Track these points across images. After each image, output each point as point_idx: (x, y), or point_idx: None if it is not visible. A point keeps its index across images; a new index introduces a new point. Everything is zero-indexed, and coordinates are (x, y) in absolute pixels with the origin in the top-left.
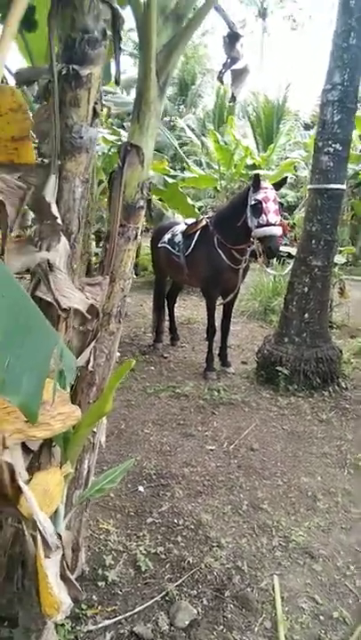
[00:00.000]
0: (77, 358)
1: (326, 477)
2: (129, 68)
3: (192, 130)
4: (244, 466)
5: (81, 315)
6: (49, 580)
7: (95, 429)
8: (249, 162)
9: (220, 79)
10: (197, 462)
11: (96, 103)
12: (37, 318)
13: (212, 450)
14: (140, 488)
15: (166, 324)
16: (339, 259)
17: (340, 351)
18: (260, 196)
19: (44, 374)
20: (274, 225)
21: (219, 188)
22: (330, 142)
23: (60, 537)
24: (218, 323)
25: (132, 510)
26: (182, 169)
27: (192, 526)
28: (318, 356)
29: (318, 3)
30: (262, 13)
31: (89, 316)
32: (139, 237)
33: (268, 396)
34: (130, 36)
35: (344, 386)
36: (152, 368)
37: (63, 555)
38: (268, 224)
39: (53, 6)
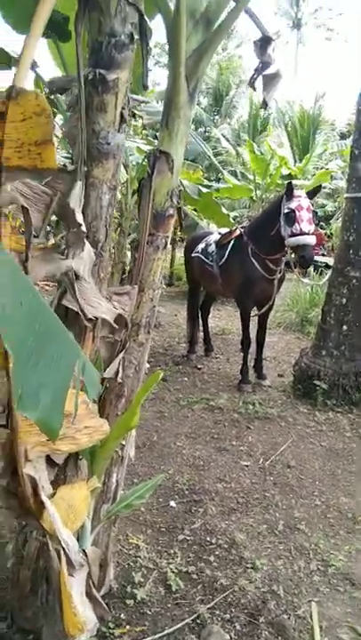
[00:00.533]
0: (106, 369)
1: None
2: (164, 79)
3: (227, 140)
4: (281, 483)
5: (109, 325)
6: (73, 599)
7: (124, 442)
8: (285, 172)
9: (252, 84)
10: (231, 478)
11: (124, 108)
12: (57, 329)
13: (246, 466)
14: (172, 503)
15: (200, 334)
16: None
17: None
18: (293, 205)
19: (65, 388)
20: (307, 234)
21: (254, 198)
22: None
23: (85, 554)
24: (253, 334)
25: (163, 526)
26: (217, 179)
27: (225, 545)
28: (358, 370)
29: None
30: (296, 24)
31: (117, 326)
32: (168, 246)
33: (305, 411)
34: (165, 47)
35: None
36: (185, 379)
37: (89, 572)
38: (302, 233)
39: (80, 9)
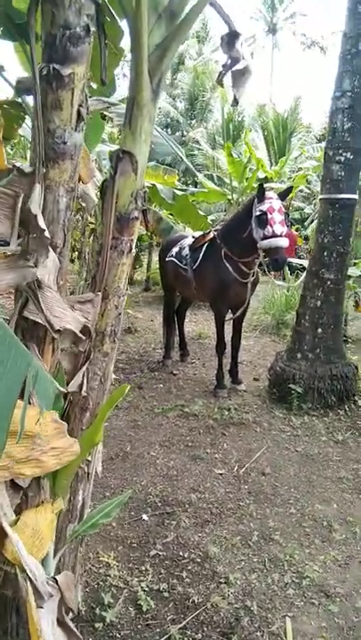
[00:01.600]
0: (69, 382)
1: (343, 505)
2: None
3: (203, 144)
4: (255, 492)
5: (72, 335)
6: (42, 632)
7: (90, 458)
8: (261, 175)
9: (220, 81)
10: (205, 488)
11: (81, 106)
12: (5, 339)
13: (221, 474)
14: (144, 516)
15: (177, 339)
16: (354, 271)
17: (356, 367)
18: (264, 207)
19: (11, 401)
20: (280, 236)
21: (232, 201)
22: (340, 151)
23: (56, 581)
24: (228, 338)
25: (134, 541)
26: (194, 183)
27: (198, 559)
28: (333, 373)
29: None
30: (272, 29)
31: (82, 337)
32: (133, 250)
33: (280, 416)
34: None
35: None
36: (161, 385)
37: (62, 599)
38: (274, 235)
39: (32, 1)
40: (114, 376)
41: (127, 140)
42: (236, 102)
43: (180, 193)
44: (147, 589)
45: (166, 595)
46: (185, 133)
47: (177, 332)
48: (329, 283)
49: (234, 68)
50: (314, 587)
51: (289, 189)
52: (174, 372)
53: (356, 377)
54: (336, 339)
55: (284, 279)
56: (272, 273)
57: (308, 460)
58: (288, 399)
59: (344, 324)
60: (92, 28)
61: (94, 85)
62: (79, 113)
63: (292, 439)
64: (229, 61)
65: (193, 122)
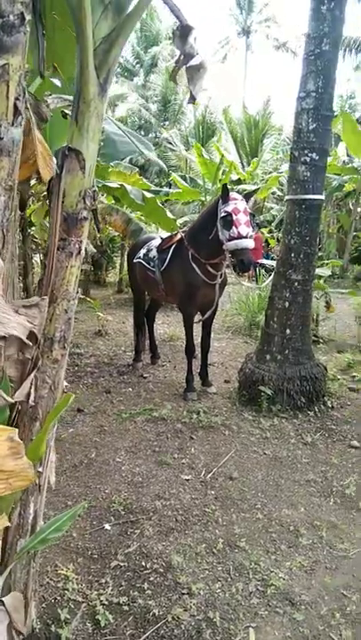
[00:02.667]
0: (16, 391)
1: (310, 508)
2: (112, 86)
3: (176, 145)
4: (222, 497)
5: (18, 341)
6: None
7: (41, 469)
8: (234, 177)
9: (174, 78)
10: (171, 494)
11: (18, 99)
12: None
13: (187, 480)
14: (107, 526)
15: (147, 342)
16: (324, 271)
17: (325, 368)
18: (229, 208)
19: None
20: (245, 237)
21: (205, 203)
22: (306, 151)
23: (2, 603)
24: (199, 340)
25: (95, 552)
26: (168, 185)
27: (161, 570)
28: (302, 374)
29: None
30: (246, 31)
31: (29, 343)
32: (82, 252)
33: (250, 418)
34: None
35: (330, 405)
36: (130, 389)
37: (10, 622)
38: (240, 237)
39: None
40: (86, 380)
41: (74, 137)
42: (192, 99)
43: (149, 195)
44: (106, 603)
45: (126, 608)
46: (158, 135)
47: (147, 335)
48: (296, 284)
49: (189, 64)
50: (279, 595)
51: (254, 191)
52: (144, 375)
53: (326, 378)
54: (305, 340)
55: (257, 281)
56: (248, 275)
57: (277, 463)
58: (258, 401)
59: (315, 324)
60: (28, 17)
61: (58, 83)
62: (16, 107)
63: (261, 442)
64: (183, 57)
65: (166, 123)
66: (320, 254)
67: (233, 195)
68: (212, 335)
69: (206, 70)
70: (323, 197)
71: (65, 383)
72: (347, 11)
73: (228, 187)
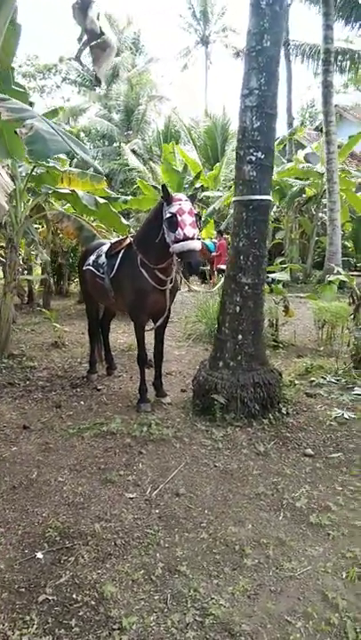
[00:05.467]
0: None
1: (258, 525)
2: (73, 96)
3: (140, 155)
4: (166, 516)
5: None
6: None
7: None
8: (197, 185)
9: (78, 58)
10: (112, 515)
11: None
12: None
13: (131, 498)
14: (39, 554)
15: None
16: (283, 276)
17: (280, 374)
18: (173, 209)
19: None
20: (192, 239)
21: None
22: (251, 150)
23: None
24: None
25: (23, 585)
26: (133, 193)
27: (92, 602)
28: (255, 381)
29: None
30: (205, 41)
31: None
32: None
33: (203, 429)
34: (73, 64)
35: (285, 411)
36: (81, 403)
37: None
38: (186, 238)
39: None
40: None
41: None
42: (98, 81)
43: (102, 201)
44: None
45: None
46: (121, 145)
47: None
48: (247, 287)
49: (93, 43)
50: (217, 625)
51: (197, 192)
52: (99, 387)
53: (281, 383)
54: (257, 345)
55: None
56: (211, 281)
57: (227, 476)
58: (211, 410)
59: (275, 329)
60: None
61: None
62: None
63: (213, 454)
64: (86, 36)
65: (129, 133)
66: (283, 259)
67: (177, 195)
68: (167, 343)
69: (113, 50)
70: (270, 198)
71: None
72: (304, 18)
73: (194, 194)
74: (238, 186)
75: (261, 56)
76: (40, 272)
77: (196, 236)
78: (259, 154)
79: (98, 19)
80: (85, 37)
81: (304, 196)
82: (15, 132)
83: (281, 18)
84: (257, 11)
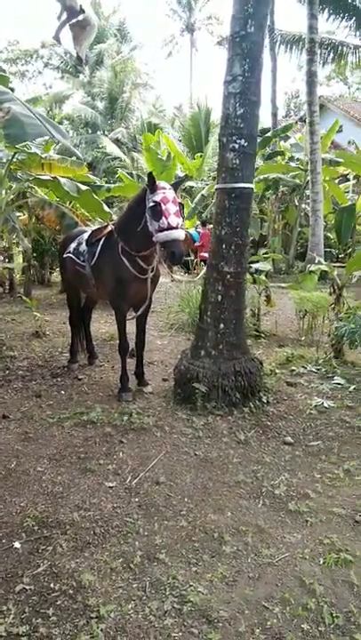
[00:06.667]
0: None
1: (237, 512)
2: (56, 82)
3: (123, 143)
4: (146, 504)
5: None
6: None
7: None
8: (180, 174)
9: (57, 38)
10: (92, 504)
11: None
12: None
13: (111, 487)
14: (16, 544)
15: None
16: (265, 266)
17: (261, 363)
18: (157, 198)
19: None
20: (175, 228)
21: None
22: (234, 138)
23: None
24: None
25: (0, 575)
26: (115, 182)
27: (70, 591)
28: (237, 370)
29: None
30: (190, 29)
31: None
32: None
33: (184, 417)
34: (55, 49)
35: (266, 400)
36: (62, 392)
37: None
38: (170, 227)
39: None
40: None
41: None
42: (79, 60)
43: (83, 187)
44: (4, 634)
45: (25, 639)
46: (106, 133)
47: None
48: (229, 276)
49: (72, 21)
50: (195, 612)
51: (182, 180)
52: (80, 376)
53: (261, 372)
54: (238, 334)
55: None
56: (192, 270)
57: (207, 465)
58: (192, 399)
59: (257, 319)
60: None
61: None
62: None
63: (193, 442)
64: (66, 13)
65: (113, 121)
66: (265, 250)
67: (161, 183)
68: (149, 333)
69: (94, 28)
70: (253, 186)
71: None
72: (288, 8)
73: (179, 182)
74: (221, 173)
75: (245, 42)
76: (21, 260)
77: (180, 225)
78: (242, 141)
79: None
80: (65, 15)
81: (287, 187)
82: None
83: (266, 3)
84: None
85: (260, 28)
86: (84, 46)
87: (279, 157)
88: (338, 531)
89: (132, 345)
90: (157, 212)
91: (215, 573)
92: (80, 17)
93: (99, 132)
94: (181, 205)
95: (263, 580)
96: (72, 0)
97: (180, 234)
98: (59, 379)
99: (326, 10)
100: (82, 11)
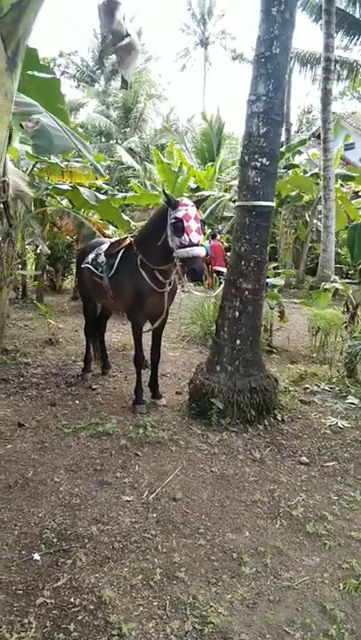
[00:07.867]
0: None
1: (255, 532)
2: (71, 90)
3: (137, 153)
4: (164, 521)
5: None
6: None
7: None
8: (193, 185)
9: (102, 59)
10: (110, 518)
11: None
12: None
13: (128, 501)
14: (36, 556)
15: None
16: (278, 281)
17: (276, 380)
18: (180, 214)
19: None
20: (197, 245)
21: None
22: (256, 156)
23: None
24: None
25: (20, 587)
26: (128, 191)
27: (91, 606)
28: (252, 386)
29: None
30: (204, 43)
31: None
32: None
33: (199, 432)
34: (72, 59)
35: (280, 418)
36: (76, 402)
37: None
38: (191, 244)
39: None
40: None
41: None
42: (125, 83)
43: (102, 196)
44: None
45: None
46: (119, 142)
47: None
48: (247, 292)
49: (118, 45)
50: (217, 634)
51: (205, 198)
52: (93, 386)
53: (277, 390)
54: (255, 351)
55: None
56: (205, 282)
57: (224, 482)
58: (207, 414)
59: (269, 334)
60: None
61: None
62: None
63: (209, 458)
64: (111, 36)
65: (127, 130)
66: (276, 264)
67: (184, 200)
68: (162, 345)
69: (138, 52)
70: (273, 204)
71: None
72: (303, 26)
73: (187, 195)
74: (242, 191)
75: (270, 62)
76: (34, 267)
77: (200, 243)
78: (264, 160)
79: (124, 20)
80: (110, 38)
81: (302, 201)
82: (21, 126)
83: (291, 25)
84: (267, 17)
85: (285, 50)
86: (129, 70)
87: (291, 171)
88: (357, 555)
89: (146, 357)
90: (179, 228)
91: (235, 595)
92: (126, 41)
93: (112, 141)
94: (203, 223)
95: (284, 604)
96: (119, 25)
97: (200, 251)
98: (73, 388)
99: (341, 30)
100: (128, 35)
